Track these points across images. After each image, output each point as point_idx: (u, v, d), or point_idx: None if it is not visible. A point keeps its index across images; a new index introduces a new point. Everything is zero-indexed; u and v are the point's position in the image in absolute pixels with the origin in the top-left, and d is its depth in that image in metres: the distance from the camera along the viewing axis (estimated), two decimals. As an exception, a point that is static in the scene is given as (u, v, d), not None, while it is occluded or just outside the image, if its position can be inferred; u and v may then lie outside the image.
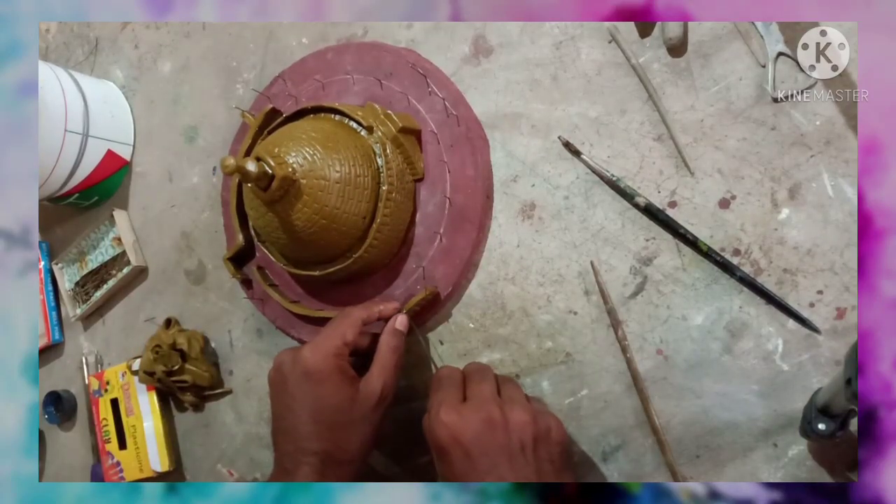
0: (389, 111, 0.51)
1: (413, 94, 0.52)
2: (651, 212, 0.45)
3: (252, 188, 0.47)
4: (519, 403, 0.42)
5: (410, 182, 0.51)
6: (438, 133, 0.51)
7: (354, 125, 0.51)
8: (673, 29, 0.45)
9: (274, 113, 0.56)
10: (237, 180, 0.57)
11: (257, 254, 0.59)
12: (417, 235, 0.52)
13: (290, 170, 0.46)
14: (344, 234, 0.49)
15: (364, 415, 0.45)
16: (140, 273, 0.69)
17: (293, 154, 0.47)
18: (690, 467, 0.44)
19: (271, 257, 0.54)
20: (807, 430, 0.39)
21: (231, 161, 0.43)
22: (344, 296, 0.55)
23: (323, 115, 0.53)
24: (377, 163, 0.50)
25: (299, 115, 0.54)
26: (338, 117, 0.52)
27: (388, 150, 0.49)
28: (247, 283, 0.60)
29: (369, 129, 0.50)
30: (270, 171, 0.45)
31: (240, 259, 0.59)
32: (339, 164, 0.47)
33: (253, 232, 0.56)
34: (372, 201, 0.49)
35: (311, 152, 0.47)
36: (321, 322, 0.56)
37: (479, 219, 0.50)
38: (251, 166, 0.44)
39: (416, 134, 0.51)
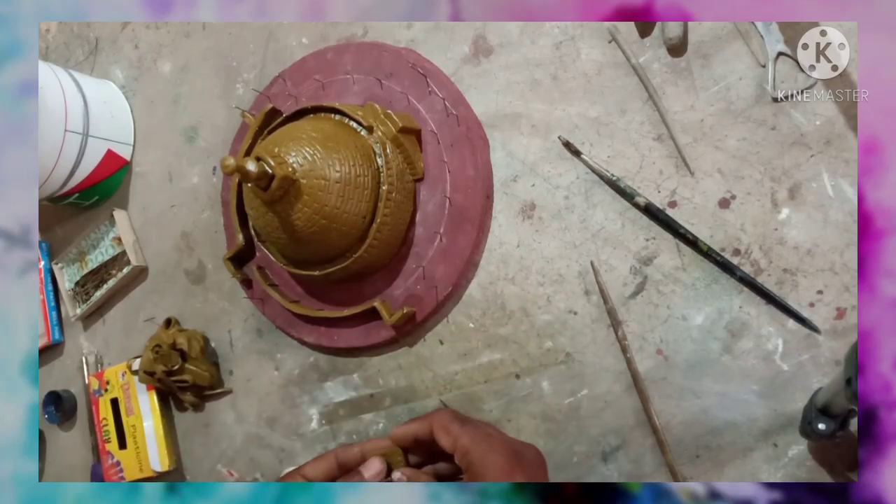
0: (389, 111, 0.51)
1: (413, 94, 0.52)
2: (651, 212, 0.45)
3: (252, 188, 0.47)
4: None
5: (410, 182, 0.51)
6: (438, 133, 0.51)
7: (354, 125, 0.51)
8: (673, 29, 0.45)
9: (274, 113, 0.56)
10: (237, 180, 0.57)
11: (257, 254, 0.59)
12: (417, 235, 0.52)
13: (289, 169, 0.46)
14: (344, 234, 0.49)
15: None
16: (140, 273, 0.69)
17: (293, 154, 0.47)
18: (690, 467, 0.44)
19: (271, 257, 0.54)
20: (807, 430, 0.39)
21: (231, 161, 0.43)
22: (344, 296, 0.55)
23: (323, 114, 0.53)
24: (377, 163, 0.50)
25: (299, 114, 0.54)
26: (338, 117, 0.52)
27: (388, 150, 0.49)
28: (247, 283, 0.60)
29: (369, 129, 0.50)
30: (270, 171, 0.45)
31: (240, 259, 0.59)
32: (339, 164, 0.47)
33: (253, 232, 0.56)
34: (372, 201, 0.49)
35: (311, 152, 0.47)
36: (321, 322, 0.56)
37: (479, 219, 0.50)
38: (251, 166, 0.44)
39: (416, 134, 0.51)
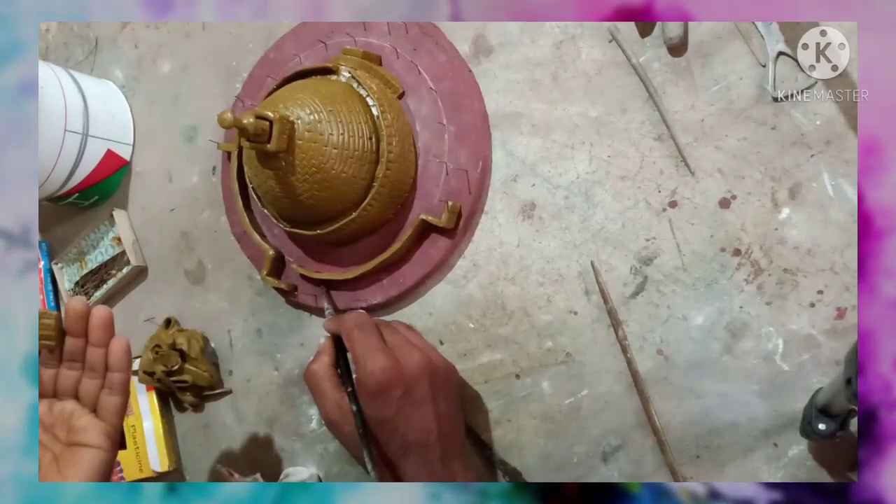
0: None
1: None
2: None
3: (254, 148, 0.47)
4: (418, 349, 0.47)
5: (396, 100, 0.52)
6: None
7: (346, 75, 0.52)
8: (673, 29, 0.45)
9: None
10: (236, 171, 0.57)
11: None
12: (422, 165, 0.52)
13: (286, 113, 0.46)
14: (349, 185, 0.49)
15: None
16: (140, 273, 0.69)
17: (290, 108, 0.47)
18: (691, 467, 0.44)
19: (272, 219, 0.54)
20: (807, 430, 0.39)
21: (228, 115, 0.43)
22: (358, 254, 0.55)
23: (314, 77, 0.54)
24: (361, 93, 0.51)
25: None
26: (333, 77, 0.53)
27: (372, 85, 0.51)
28: (283, 292, 0.59)
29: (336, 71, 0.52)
30: (269, 119, 0.45)
31: (276, 271, 0.59)
32: (337, 120, 0.48)
33: (255, 196, 0.55)
34: (370, 122, 0.50)
35: (307, 102, 0.48)
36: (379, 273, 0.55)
37: (478, 137, 0.50)
38: (249, 119, 0.44)
39: (377, 60, 0.54)
